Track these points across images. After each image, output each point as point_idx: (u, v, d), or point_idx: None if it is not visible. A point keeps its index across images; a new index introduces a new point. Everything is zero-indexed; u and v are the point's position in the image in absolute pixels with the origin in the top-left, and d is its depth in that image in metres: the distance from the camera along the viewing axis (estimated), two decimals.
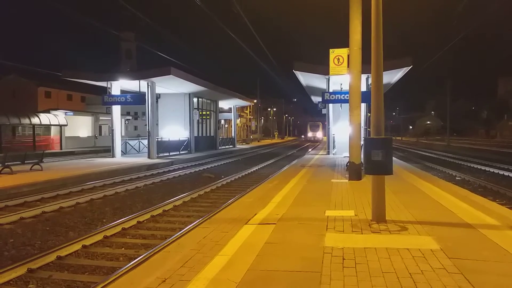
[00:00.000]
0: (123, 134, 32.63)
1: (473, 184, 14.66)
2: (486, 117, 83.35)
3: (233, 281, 3.76)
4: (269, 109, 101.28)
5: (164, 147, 25.50)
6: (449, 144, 46.18)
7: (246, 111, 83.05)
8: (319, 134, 75.05)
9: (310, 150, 35.29)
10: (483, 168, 20.03)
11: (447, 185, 10.54)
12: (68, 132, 35.48)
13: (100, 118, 41.86)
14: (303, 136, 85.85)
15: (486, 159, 24.07)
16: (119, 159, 22.38)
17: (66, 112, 36.54)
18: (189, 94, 28.69)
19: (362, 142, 11.12)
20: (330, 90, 19.94)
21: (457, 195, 8.39)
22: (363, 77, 16.74)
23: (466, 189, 10.59)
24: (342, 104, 19.15)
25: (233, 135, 43.80)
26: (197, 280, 3.81)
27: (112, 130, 23.75)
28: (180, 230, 7.21)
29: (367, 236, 5.27)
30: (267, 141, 65.89)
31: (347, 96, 13.98)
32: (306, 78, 22.49)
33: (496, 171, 18.40)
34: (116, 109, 23.71)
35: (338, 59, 14.80)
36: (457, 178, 16.53)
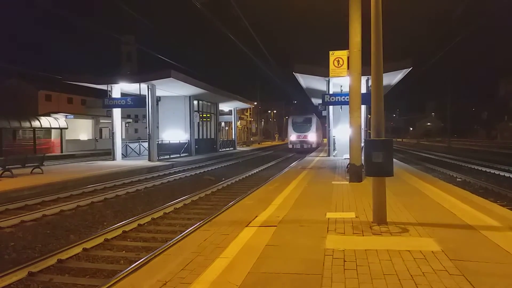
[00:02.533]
0: (123, 137, 32.64)
1: (474, 185, 14.64)
2: (487, 118, 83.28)
3: (234, 283, 3.76)
4: (269, 111, 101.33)
5: (164, 149, 25.51)
6: (450, 146, 46.15)
7: (247, 114, 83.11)
8: (312, 137, 39.85)
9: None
10: (483, 169, 20.00)
11: (447, 186, 10.52)
12: (68, 135, 35.53)
13: (101, 121, 41.92)
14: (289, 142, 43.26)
15: (487, 160, 24.04)
16: (119, 162, 22.38)
17: (66, 115, 36.61)
18: (189, 96, 28.72)
19: (362, 144, 11.12)
20: (330, 92, 19.96)
21: (458, 197, 8.38)
22: (363, 79, 16.77)
23: (467, 190, 10.57)
24: (343, 106, 19.15)
25: (233, 137, 43.80)
26: (198, 283, 3.81)
27: (113, 133, 23.76)
28: (181, 233, 7.21)
29: (368, 238, 5.26)
30: (268, 143, 65.89)
31: (347, 98, 13.99)
32: (306, 80, 22.51)
33: (497, 172, 18.37)
34: (117, 112, 23.72)
35: (338, 61, 14.80)
36: (457, 179, 16.50)
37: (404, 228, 5.66)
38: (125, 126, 46.79)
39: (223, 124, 50.70)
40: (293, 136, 39.73)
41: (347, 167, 12.71)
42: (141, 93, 22.62)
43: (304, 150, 36.45)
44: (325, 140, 32.67)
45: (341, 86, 20.51)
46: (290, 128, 40.88)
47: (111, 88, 23.12)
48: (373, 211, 6.16)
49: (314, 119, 40.68)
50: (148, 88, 22.70)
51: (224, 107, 42.05)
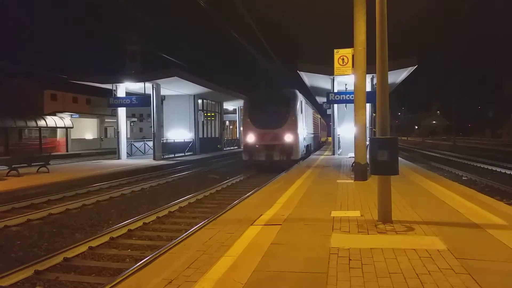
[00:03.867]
0: (128, 136, 32.79)
1: (480, 184, 14.56)
2: (492, 116, 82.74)
3: (239, 282, 3.76)
4: None
5: (169, 148, 25.58)
6: (455, 144, 45.90)
7: None
8: (289, 137, 18.73)
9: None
10: (489, 167, 19.89)
11: (453, 185, 10.47)
12: (74, 135, 35.73)
13: (106, 120, 42.13)
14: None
15: (493, 159, 23.90)
16: (124, 161, 22.46)
17: (71, 115, 36.83)
18: (194, 95, 28.75)
19: (367, 142, 11.09)
20: (335, 91, 19.91)
21: (464, 195, 8.33)
22: (368, 77, 16.68)
23: (473, 189, 10.52)
24: (347, 104, 19.11)
25: (238, 136, 43.82)
26: (203, 281, 3.82)
27: (118, 132, 23.86)
28: (186, 231, 7.22)
29: (373, 237, 5.24)
30: None
31: (352, 97, 13.95)
32: (310, 79, 22.47)
33: (503, 170, 18.26)
34: (122, 111, 23.80)
35: (343, 59, 14.78)
36: (463, 178, 16.43)
37: (409, 227, 5.63)
38: (130, 125, 47.02)
39: (227, 123, 50.74)
40: (250, 136, 19.22)
41: (352, 165, 12.68)
42: (146, 92, 22.67)
43: (274, 165, 18.47)
44: (330, 139, 32.29)
45: (345, 84, 20.45)
46: (245, 120, 19.93)
47: (116, 88, 23.20)
48: (378, 210, 6.14)
49: (297, 101, 19.80)
50: (152, 87, 22.76)
51: (229, 106, 42.07)
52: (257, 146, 18.97)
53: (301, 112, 20.50)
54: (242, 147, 20.56)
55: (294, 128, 19.11)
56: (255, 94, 21.35)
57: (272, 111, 19.27)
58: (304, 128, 21.18)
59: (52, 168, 16.98)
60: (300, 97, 20.66)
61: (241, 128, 22.86)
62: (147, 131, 56.82)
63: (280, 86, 25.08)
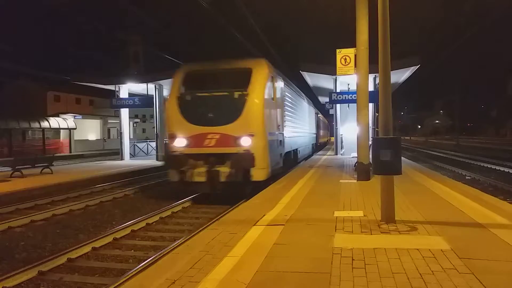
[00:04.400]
0: (131, 136, 32.84)
1: (484, 183, 14.51)
2: (496, 115, 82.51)
3: (243, 282, 3.76)
4: None
5: None
6: (459, 143, 45.77)
7: None
8: (246, 139, 10.32)
9: None
10: (493, 167, 19.81)
11: (457, 184, 10.44)
12: (77, 136, 35.89)
13: (109, 121, 42.25)
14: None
15: (496, 158, 23.81)
16: (128, 161, 22.51)
17: (75, 116, 36.96)
18: None
19: (370, 142, 11.07)
20: (337, 90, 19.88)
21: (467, 195, 8.30)
22: (371, 76, 16.66)
23: (477, 188, 10.48)
24: (350, 104, 19.08)
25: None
26: (207, 281, 3.82)
27: (121, 133, 23.91)
28: (189, 232, 7.24)
29: (376, 237, 5.24)
30: None
31: (354, 96, 13.92)
32: (313, 79, 22.43)
33: (506, 170, 18.19)
34: (124, 112, 23.86)
35: (345, 59, 14.76)
36: (467, 177, 16.38)
37: (412, 227, 5.62)
38: (133, 126, 47.12)
39: None
40: (180, 139, 10.83)
41: (354, 165, 12.66)
42: (149, 93, 22.71)
43: (220, 190, 10.69)
44: (332, 139, 31.93)
45: (348, 84, 20.42)
46: (172, 110, 11.05)
47: (119, 89, 23.24)
48: (381, 210, 6.13)
49: (264, 77, 11.22)
50: (155, 88, 22.80)
51: None
52: (191, 156, 10.80)
53: (274, 97, 12.27)
54: (165, 158, 12.44)
55: (256, 124, 10.75)
56: (190, 65, 12.25)
57: (218, 96, 10.91)
58: (281, 125, 13.25)
59: (55, 169, 17.04)
60: (273, 73, 12.34)
61: (167, 120, 11.86)
62: (150, 131, 56.94)
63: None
